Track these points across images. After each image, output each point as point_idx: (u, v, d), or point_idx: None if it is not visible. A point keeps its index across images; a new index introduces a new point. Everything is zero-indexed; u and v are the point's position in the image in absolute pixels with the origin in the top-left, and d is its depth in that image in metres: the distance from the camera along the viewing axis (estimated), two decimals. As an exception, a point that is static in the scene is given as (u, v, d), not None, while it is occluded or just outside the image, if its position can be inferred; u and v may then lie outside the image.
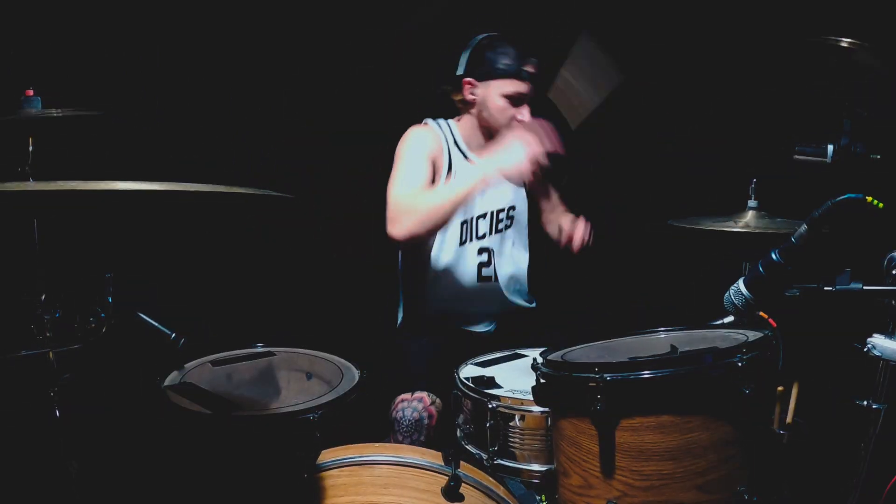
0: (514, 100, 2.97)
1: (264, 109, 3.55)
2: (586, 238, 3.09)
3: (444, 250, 3.10)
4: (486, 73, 2.97)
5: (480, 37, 3.02)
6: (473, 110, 3.06)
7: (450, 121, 3.18)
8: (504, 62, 2.94)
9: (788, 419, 2.20)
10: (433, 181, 2.99)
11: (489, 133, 3.09)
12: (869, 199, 1.69)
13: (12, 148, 2.07)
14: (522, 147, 2.70)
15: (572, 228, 3.11)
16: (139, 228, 3.03)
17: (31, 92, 2.05)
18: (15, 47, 2.84)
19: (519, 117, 2.98)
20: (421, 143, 3.02)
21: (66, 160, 2.17)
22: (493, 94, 2.96)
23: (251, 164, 3.50)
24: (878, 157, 1.95)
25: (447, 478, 1.90)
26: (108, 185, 1.41)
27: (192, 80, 3.32)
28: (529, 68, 2.95)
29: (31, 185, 1.58)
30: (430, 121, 3.14)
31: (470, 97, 3.03)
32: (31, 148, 2.08)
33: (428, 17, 3.70)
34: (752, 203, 2.69)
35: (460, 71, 3.04)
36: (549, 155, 2.78)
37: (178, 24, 3.24)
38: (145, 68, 3.18)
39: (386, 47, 3.72)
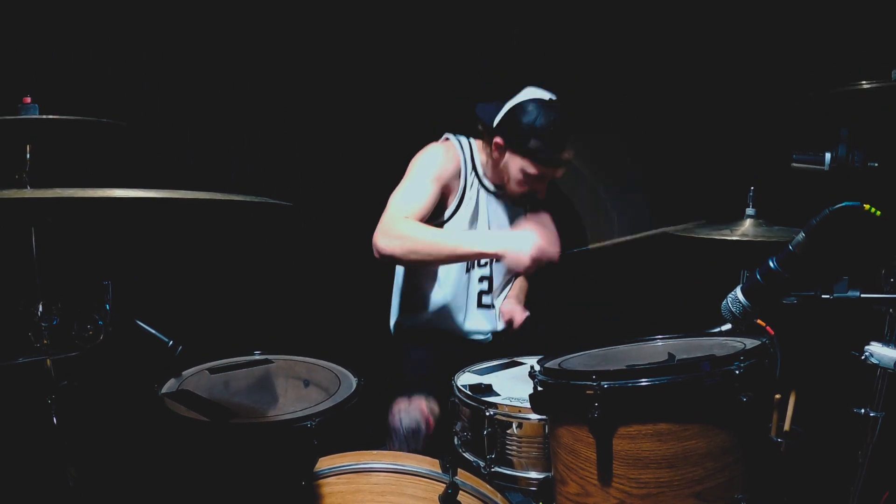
0: (535, 179, 2.93)
1: (264, 117, 3.55)
2: (521, 319, 3.17)
3: (450, 276, 3.12)
4: (517, 144, 2.88)
5: (530, 96, 2.88)
6: (493, 160, 3.01)
7: (472, 140, 3.13)
8: (538, 144, 2.84)
9: (786, 427, 2.20)
10: (439, 203, 2.97)
11: (497, 177, 3.07)
12: (866, 206, 1.69)
13: (10, 155, 2.07)
14: (532, 243, 2.62)
15: (510, 311, 3.19)
16: (137, 236, 3.03)
17: (28, 99, 2.05)
18: (12, 55, 2.84)
19: (535, 194, 3.00)
20: (435, 163, 2.98)
21: (64, 167, 2.17)
22: (517, 166, 2.91)
23: (250, 172, 3.50)
24: (876, 165, 1.95)
25: (445, 485, 1.90)
26: (106, 192, 1.41)
27: (191, 86, 3.32)
28: (564, 156, 2.90)
29: (29, 193, 1.58)
30: (451, 136, 3.11)
31: (496, 154, 2.97)
32: (28, 155, 2.08)
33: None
34: (749, 211, 2.69)
35: (496, 121, 2.93)
36: (548, 261, 2.71)
37: (178, 30, 3.24)
38: (144, 75, 3.18)
39: (392, 53, 3.73)
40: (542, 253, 2.63)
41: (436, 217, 2.98)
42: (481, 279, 3.17)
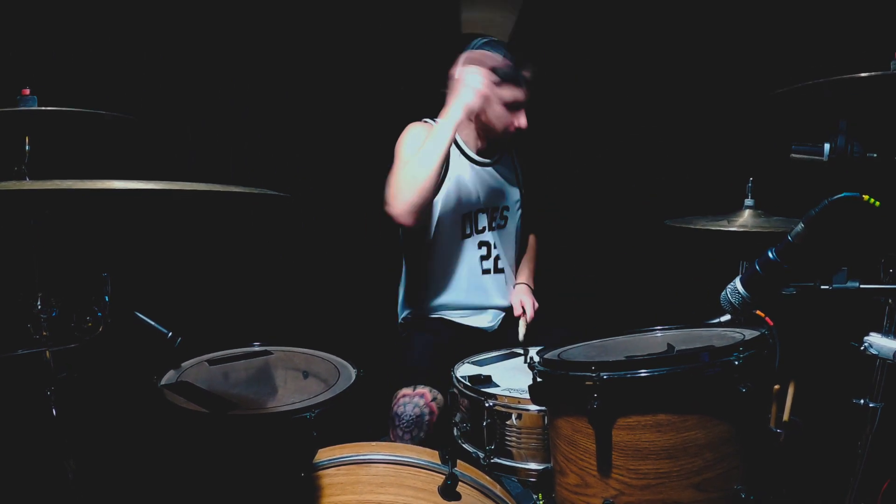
0: (512, 105, 2.98)
1: (263, 109, 3.55)
2: (532, 311, 3.19)
3: (447, 243, 3.15)
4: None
5: (479, 41, 2.99)
6: (472, 114, 3.04)
7: None
8: (503, 70, 2.92)
9: (785, 418, 2.20)
10: None
11: (486, 135, 3.13)
12: (865, 197, 1.69)
13: (9, 147, 2.07)
14: (471, 78, 2.82)
15: (521, 301, 3.22)
16: (136, 227, 3.03)
17: (27, 91, 2.04)
18: (11, 46, 2.83)
19: (516, 123, 3.02)
20: (419, 139, 2.99)
21: (63, 159, 2.17)
22: (492, 100, 2.96)
23: (249, 163, 3.50)
24: (875, 155, 1.95)
25: (444, 476, 1.90)
26: (105, 184, 1.41)
27: (191, 82, 3.32)
28: (527, 74, 2.97)
29: (28, 185, 1.57)
30: (429, 120, 3.14)
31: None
32: (27, 147, 2.07)
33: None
34: (748, 202, 2.68)
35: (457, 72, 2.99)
36: (498, 70, 2.88)
37: (178, 22, 3.23)
38: (144, 69, 3.18)
39: (385, 48, 3.72)
40: (485, 73, 2.84)
41: None
42: (480, 244, 3.22)
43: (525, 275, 3.38)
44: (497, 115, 3.00)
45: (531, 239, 3.48)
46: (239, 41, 3.41)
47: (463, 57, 2.94)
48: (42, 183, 1.43)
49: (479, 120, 3.07)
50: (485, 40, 2.97)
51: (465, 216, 3.14)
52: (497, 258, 3.26)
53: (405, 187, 2.81)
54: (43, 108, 2.04)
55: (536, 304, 3.23)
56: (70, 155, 2.36)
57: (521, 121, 3.01)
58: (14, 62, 2.83)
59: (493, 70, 2.88)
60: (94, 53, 3.03)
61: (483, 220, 3.19)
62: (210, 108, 3.39)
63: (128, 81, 3.12)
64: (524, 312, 3.16)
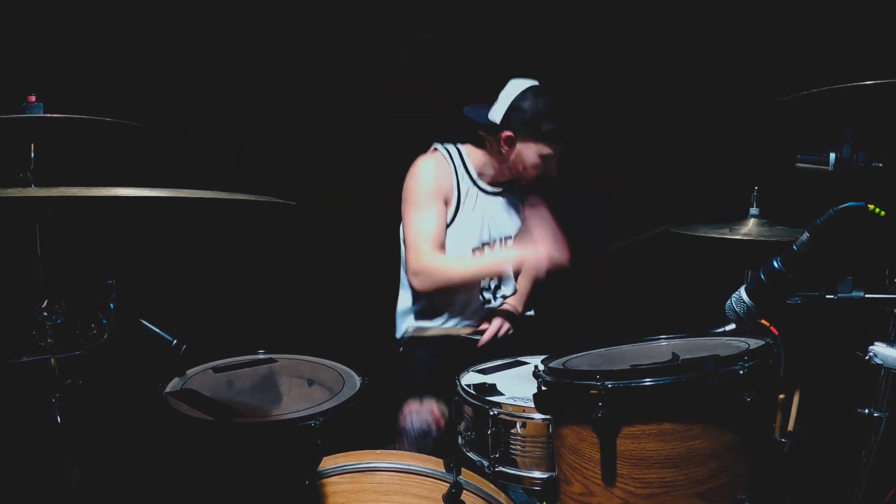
0: (549, 158, 3.03)
1: (266, 112, 3.55)
2: (490, 335, 3.18)
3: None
4: (530, 131, 2.98)
5: (524, 87, 2.99)
6: (502, 155, 3.08)
7: (460, 146, 3.20)
8: (549, 125, 2.96)
9: (790, 427, 2.20)
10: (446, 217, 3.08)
11: (506, 170, 3.15)
12: (871, 207, 1.68)
13: (14, 153, 2.07)
14: (544, 250, 2.93)
15: (492, 321, 3.21)
16: (141, 234, 3.03)
17: (33, 98, 2.05)
18: (17, 54, 2.84)
19: (547, 173, 3.08)
20: (431, 179, 3.06)
21: (68, 166, 2.17)
22: (531, 152, 3.00)
23: (252, 167, 3.51)
24: (881, 164, 1.95)
25: (448, 485, 1.90)
26: (111, 191, 1.41)
27: (193, 88, 3.32)
28: (573, 130, 3.02)
29: (33, 191, 1.58)
30: (438, 146, 3.16)
31: (505, 149, 3.04)
32: (32, 154, 2.08)
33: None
34: (753, 211, 2.68)
35: (498, 118, 3.01)
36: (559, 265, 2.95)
37: (181, 31, 3.24)
38: (147, 76, 3.19)
39: (389, 51, 3.73)
40: (554, 258, 2.90)
41: None
42: None
43: (514, 296, 3.36)
44: (534, 165, 3.05)
45: None
46: (241, 46, 3.41)
47: (534, 130, 2.98)
48: (47, 190, 1.43)
49: (508, 162, 3.09)
50: (532, 88, 2.99)
51: (474, 251, 3.16)
52: (497, 288, 3.28)
53: (436, 274, 3.00)
54: (48, 115, 2.04)
55: (509, 330, 3.21)
56: (75, 161, 2.37)
57: (552, 172, 3.08)
58: (20, 70, 2.84)
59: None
60: (98, 60, 3.04)
61: (488, 252, 3.21)
62: (212, 113, 3.39)
63: (131, 87, 3.12)
64: (488, 330, 3.16)
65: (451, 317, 3.21)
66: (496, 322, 3.17)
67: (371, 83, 3.72)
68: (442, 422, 2.63)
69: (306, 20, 3.55)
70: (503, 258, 3.10)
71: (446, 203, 3.08)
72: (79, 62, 3.00)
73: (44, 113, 2.05)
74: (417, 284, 3.02)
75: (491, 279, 3.24)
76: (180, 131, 3.33)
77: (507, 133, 2.99)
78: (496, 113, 3.01)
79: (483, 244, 3.17)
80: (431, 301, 3.18)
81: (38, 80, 2.78)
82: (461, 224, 3.12)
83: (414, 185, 3.05)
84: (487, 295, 3.25)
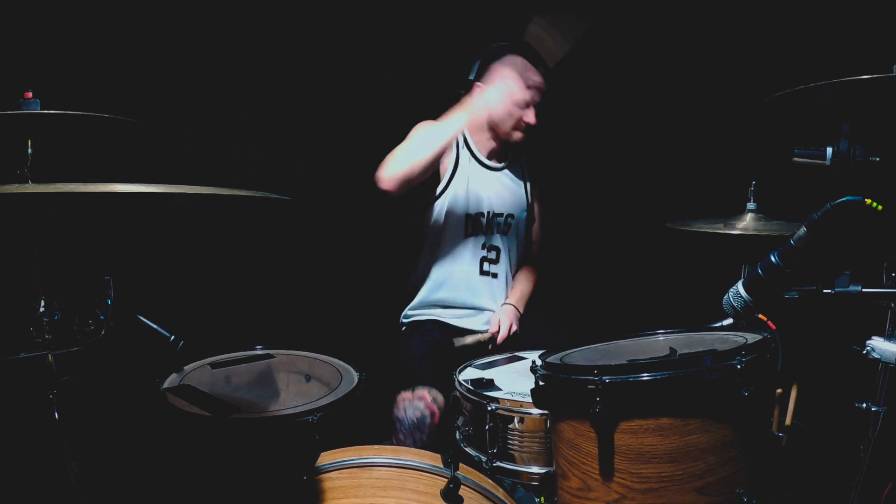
0: (521, 104, 3.07)
1: (264, 112, 3.55)
2: (506, 333, 3.19)
3: (449, 240, 3.20)
4: (493, 59, 3.14)
5: (491, 45, 3.16)
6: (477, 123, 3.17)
7: None
8: (512, 70, 3.08)
9: (787, 421, 2.20)
10: (432, 177, 3.09)
11: (497, 136, 3.22)
12: (868, 201, 1.69)
13: (11, 150, 2.07)
14: (502, 90, 3.04)
15: (498, 321, 3.21)
16: (139, 230, 3.03)
17: (30, 94, 2.05)
18: (14, 50, 2.84)
19: (525, 119, 3.10)
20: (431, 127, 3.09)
21: (66, 163, 2.17)
22: (501, 95, 3.06)
23: (251, 165, 3.50)
24: (878, 159, 1.94)
25: (446, 480, 1.90)
26: (107, 187, 1.41)
27: (191, 84, 3.32)
28: (536, 76, 3.10)
29: (31, 188, 1.57)
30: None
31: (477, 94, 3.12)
32: (30, 150, 2.08)
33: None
34: (750, 205, 2.68)
35: (472, 76, 3.16)
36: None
37: (179, 24, 3.24)
38: (144, 72, 3.18)
39: (394, 51, 3.73)
40: (517, 95, 3.07)
41: (429, 191, 3.14)
42: (484, 246, 3.27)
43: (515, 296, 3.36)
44: (506, 111, 3.10)
45: (531, 266, 3.48)
46: (240, 44, 3.41)
47: (507, 61, 3.11)
48: (45, 186, 1.43)
49: (489, 118, 3.15)
50: (505, 43, 3.15)
51: (469, 216, 3.18)
52: (496, 262, 3.29)
53: (399, 158, 2.92)
54: (45, 112, 2.04)
55: (515, 329, 3.23)
56: (72, 158, 2.37)
57: (530, 117, 3.10)
58: (17, 66, 2.83)
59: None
60: (95, 56, 3.04)
61: (485, 223, 3.23)
62: (211, 110, 3.39)
63: (129, 84, 3.13)
64: (498, 331, 3.17)
65: (448, 290, 3.25)
66: (505, 321, 3.18)
67: (373, 78, 3.73)
68: (436, 410, 2.62)
69: (306, 17, 3.54)
70: (455, 118, 3.00)
71: (439, 166, 3.11)
72: (76, 58, 2.99)
73: (41, 109, 2.05)
74: (385, 182, 2.90)
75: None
76: (178, 128, 3.32)
77: (479, 84, 3.15)
78: (471, 73, 3.19)
79: (479, 213, 3.21)
80: (432, 270, 3.24)
81: (35, 76, 2.80)
82: (457, 192, 3.17)
83: (410, 134, 3.09)
84: (486, 267, 3.28)
